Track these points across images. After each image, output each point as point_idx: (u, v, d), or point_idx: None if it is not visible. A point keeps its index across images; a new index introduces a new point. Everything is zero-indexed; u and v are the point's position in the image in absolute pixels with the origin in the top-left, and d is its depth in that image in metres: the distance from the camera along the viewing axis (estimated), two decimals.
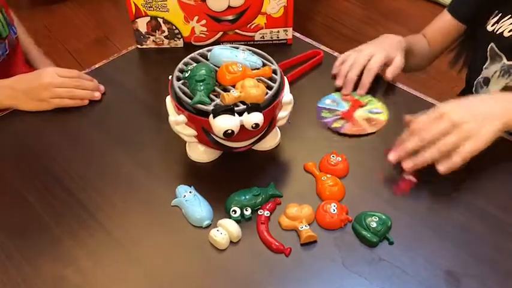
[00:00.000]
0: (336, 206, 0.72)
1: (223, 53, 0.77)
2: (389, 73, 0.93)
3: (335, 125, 0.87)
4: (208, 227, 0.72)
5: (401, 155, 0.74)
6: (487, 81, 0.97)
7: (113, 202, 0.77)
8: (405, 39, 1.00)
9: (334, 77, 0.97)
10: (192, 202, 0.74)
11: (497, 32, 0.93)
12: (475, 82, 1.00)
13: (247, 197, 0.74)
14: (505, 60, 0.93)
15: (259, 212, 0.73)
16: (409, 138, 0.74)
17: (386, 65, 0.94)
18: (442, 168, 0.71)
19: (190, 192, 0.75)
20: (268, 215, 0.73)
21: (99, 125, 0.91)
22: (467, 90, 1.04)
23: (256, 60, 0.77)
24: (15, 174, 0.82)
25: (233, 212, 0.72)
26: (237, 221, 0.71)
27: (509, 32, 0.91)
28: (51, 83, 0.90)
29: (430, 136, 0.71)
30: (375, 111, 0.90)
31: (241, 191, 0.75)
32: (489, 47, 0.95)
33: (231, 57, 0.76)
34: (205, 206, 0.74)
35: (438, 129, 0.71)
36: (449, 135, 0.71)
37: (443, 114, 0.72)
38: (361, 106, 0.91)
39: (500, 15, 0.94)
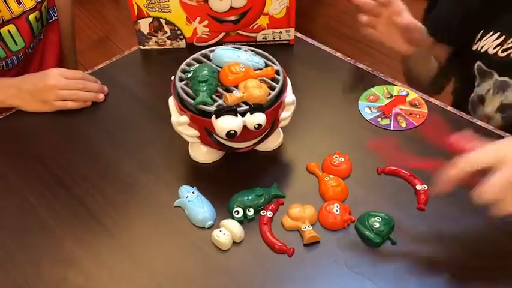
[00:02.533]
0: (338, 206, 0.72)
1: (225, 54, 0.76)
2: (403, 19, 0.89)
3: (383, 122, 0.88)
4: (211, 227, 0.72)
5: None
6: (481, 99, 0.94)
7: (115, 203, 0.77)
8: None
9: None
10: (195, 203, 0.74)
11: (482, 51, 0.91)
12: (470, 99, 0.97)
13: (249, 197, 0.74)
14: (496, 76, 0.90)
15: (261, 213, 0.73)
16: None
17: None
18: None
19: (193, 192, 0.75)
20: (271, 215, 0.73)
21: (101, 126, 0.91)
22: (461, 103, 1.00)
23: (259, 61, 0.77)
24: (17, 175, 0.82)
25: (236, 213, 0.72)
26: (240, 222, 0.71)
27: (494, 49, 0.89)
28: (55, 85, 0.90)
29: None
30: (415, 104, 0.91)
31: (243, 191, 0.75)
32: (476, 66, 0.93)
33: (234, 57, 0.76)
34: (208, 206, 0.74)
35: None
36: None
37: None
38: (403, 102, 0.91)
39: (482, 32, 0.92)
